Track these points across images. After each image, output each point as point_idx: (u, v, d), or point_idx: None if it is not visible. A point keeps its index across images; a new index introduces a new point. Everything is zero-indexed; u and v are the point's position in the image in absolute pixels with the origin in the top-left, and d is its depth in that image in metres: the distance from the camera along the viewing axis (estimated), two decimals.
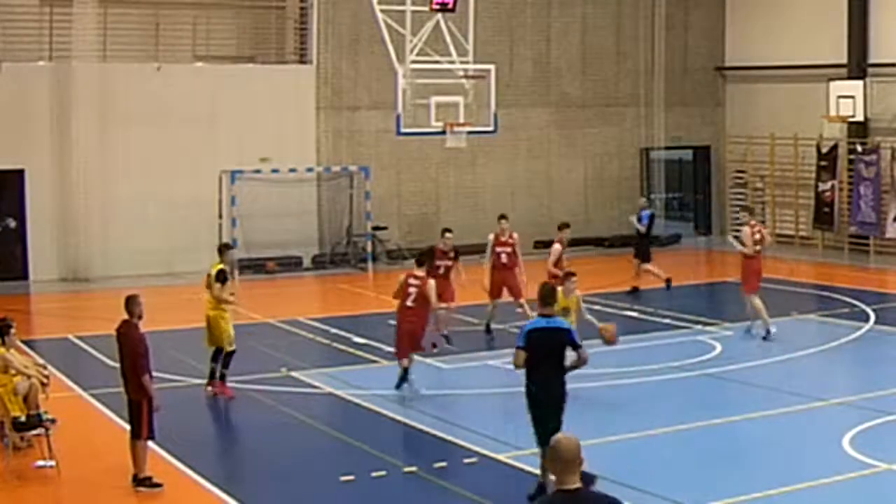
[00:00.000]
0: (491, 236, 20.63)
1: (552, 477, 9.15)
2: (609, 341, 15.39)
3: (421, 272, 16.37)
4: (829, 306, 22.77)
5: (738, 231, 21.70)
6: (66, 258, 26.99)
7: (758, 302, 19.66)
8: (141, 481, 12.36)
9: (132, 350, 12.36)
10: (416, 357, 16.64)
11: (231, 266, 17.95)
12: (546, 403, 12.00)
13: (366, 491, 12.12)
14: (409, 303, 16.22)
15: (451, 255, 19.53)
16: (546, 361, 11.92)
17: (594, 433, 13.76)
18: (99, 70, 26.89)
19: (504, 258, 20.26)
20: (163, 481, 12.41)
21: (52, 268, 26.85)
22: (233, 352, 16.43)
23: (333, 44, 29.56)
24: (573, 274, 16.25)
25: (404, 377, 16.23)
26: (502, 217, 20.93)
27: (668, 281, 24.67)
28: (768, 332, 19.44)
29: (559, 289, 14.75)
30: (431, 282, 16.39)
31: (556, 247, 20.27)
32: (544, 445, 11.60)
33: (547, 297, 12.19)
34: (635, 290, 24.43)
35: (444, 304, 17.83)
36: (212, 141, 27.91)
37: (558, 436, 6.70)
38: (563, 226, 21.02)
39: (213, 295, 16.34)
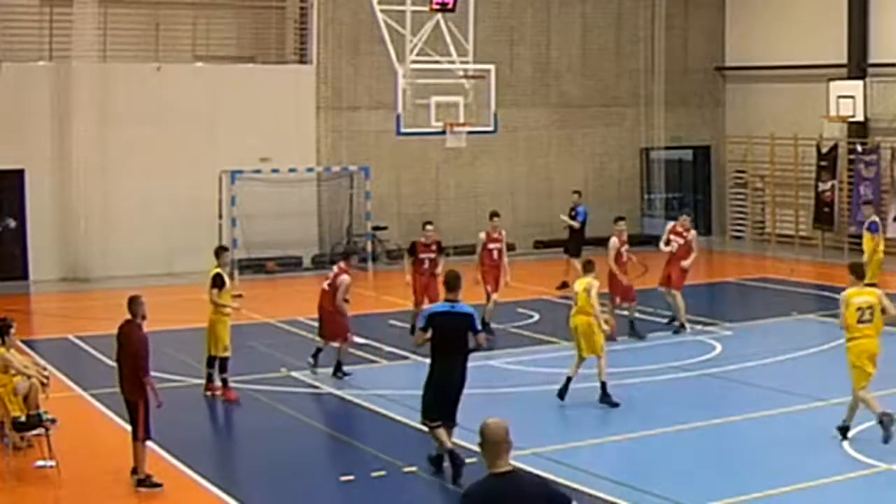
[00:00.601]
0: (482, 235, 20.80)
1: (448, 445, 9.57)
2: (606, 335, 15.94)
3: (344, 265, 17.15)
4: (829, 306, 22.69)
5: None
6: (66, 258, 26.99)
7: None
8: (141, 481, 12.37)
9: (135, 350, 12.38)
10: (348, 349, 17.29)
11: (230, 268, 17.98)
12: (444, 386, 12.61)
13: (366, 491, 12.12)
14: (325, 286, 17.22)
15: (434, 248, 19.79)
16: (448, 345, 12.48)
17: (594, 433, 13.80)
18: (99, 70, 26.90)
19: (496, 254, 20.56)
20: (163, 481, 12.42)
21: (52, 268, 26.85)
22: (227, 357, 16.38)
23: (333, 44, 29.56)
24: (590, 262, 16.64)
25: (337, 365, 17.12)
26: (495, 215, 21.20)
27: (564, 284, 24.11)
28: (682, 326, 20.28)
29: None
30: (344, 277, 16.94)
31: (613, 241, 20.29)
32: (429, 419, 12.60)
33: (452, 282, 12.70)
34: (564, 285, 24.07)
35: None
36: (212, 141, 27.91)
37: (487, 420, 6.90)
38: (619, 219, 20.99)
39: (210, 300, 16.35)
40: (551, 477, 12.39)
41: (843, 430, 13.58)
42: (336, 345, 17.13)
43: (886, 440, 13.05)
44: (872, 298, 13.54)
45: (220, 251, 17.00)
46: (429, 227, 20.14)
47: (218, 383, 16.30)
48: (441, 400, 12.60)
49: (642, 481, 12.11)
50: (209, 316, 16.45)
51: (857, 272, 13.82)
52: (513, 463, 6.76)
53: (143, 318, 12.59)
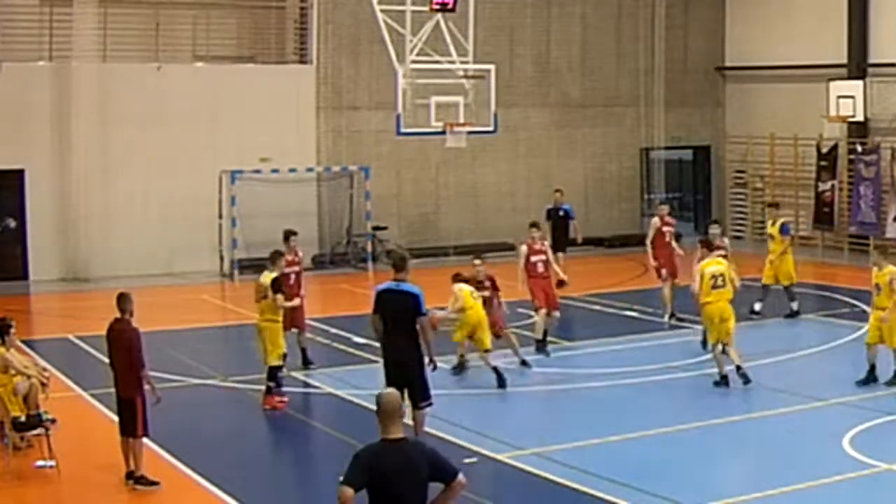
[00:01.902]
0: (524, 247, 18.97)
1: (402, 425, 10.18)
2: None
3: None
4: (829, 306, 22.76)
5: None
6: (66, 258, 26.99)
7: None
8: (138, 479, 12.40)
9: (130, 346, 12.41)
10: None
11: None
12: (393, 365, 12.78)
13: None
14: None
15: (488, 284, 17.71)
16: (393, 322, 12.65)
17: (594, 433, 13.79)
18: (99, 70, 26.90)
19: (541, 267, 18.80)
20: (163, 481, 12.42)
21: (52, 268, 26.84)
22: (280, 366, 16.00)
23: (333, 44, 29.56)
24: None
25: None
26: (533, 225, 19.36)
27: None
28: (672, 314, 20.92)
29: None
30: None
31: (654, 220, 21.61)
32: None
33: (398, 262, 12.95)
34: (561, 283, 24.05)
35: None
36: (212, 141, 27.90)
37: (382, 391, 7.75)
38: (661, 203, 23.18)
39: (277, 305, 15.75)
40: (551, 477, 12.43)
41: (723, 380, 16.00)
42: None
43: (746, 382, 15.85)
44: (723, 268, 16.32)
45: (276, 256, 16.30)
46: (477, 262, 17.81)
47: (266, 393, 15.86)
48: (393, 379, 12.60)
49: (642, 481, 12.11)
50: (261, 324, 15.94)
51: (708, 245, 17.00)
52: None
53: (131, 314, 12.63)
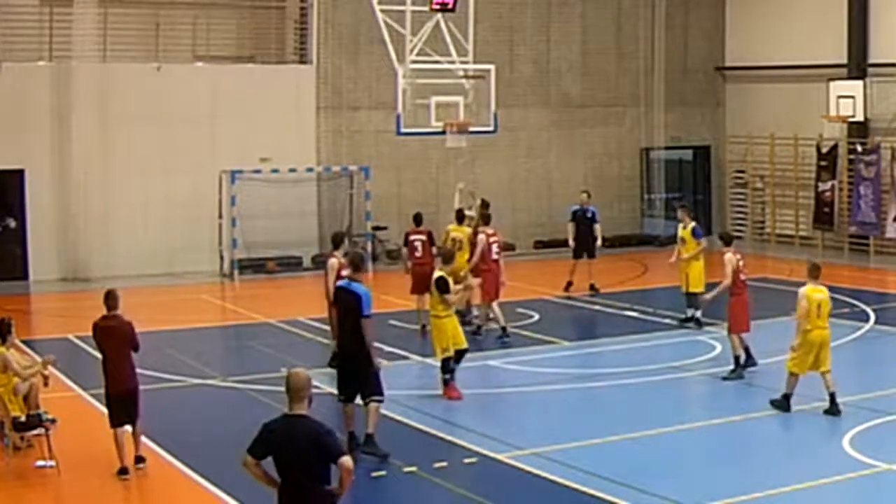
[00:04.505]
0: (481, 236, 19.75)
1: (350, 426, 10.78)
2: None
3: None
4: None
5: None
6: (66, 258, 26.97)
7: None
8: (140, 458, 12.78)
9: (128, 337, 12.64)
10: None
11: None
12: (342, 358, 13.42)
13: (366, 491, 12.12)
14: None
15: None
16: (344, 320, 13.31)
17: (594, 433, 13.79)
18: (99, 70, 26.89)
19: (495, 251, 19.67)
20: (163, 481, 12.44)
21: (52, 268, 26.83)
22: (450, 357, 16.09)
23: (333, 44, 29.55)
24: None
25: None
26: (485, 205, 20.86)
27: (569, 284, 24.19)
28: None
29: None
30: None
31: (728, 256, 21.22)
32: (344, 401, 13.46)
33: (356, 262, 13.52)
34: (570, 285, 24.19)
35: None
36: (212, 141, 27.90)
37: (292, 370, 8.38)
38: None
39: (450, 302, 15.91)
40: (551, 477, 12.42)
41: (784, 400, 15.01)
42: None
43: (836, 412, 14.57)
44: (826, 296, 15.18)
45: (448, 257, 16.85)
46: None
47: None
48: (341, 374, 13.48)
49: (642, 481, 12.10)
50: (435, 320, 16.03)
51: (812, 271, 15.39)
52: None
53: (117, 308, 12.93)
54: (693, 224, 20.86)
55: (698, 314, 20.14)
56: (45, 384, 13.55)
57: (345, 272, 14.56)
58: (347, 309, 13.25)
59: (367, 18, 25.99)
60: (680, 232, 20.92)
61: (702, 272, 20.37)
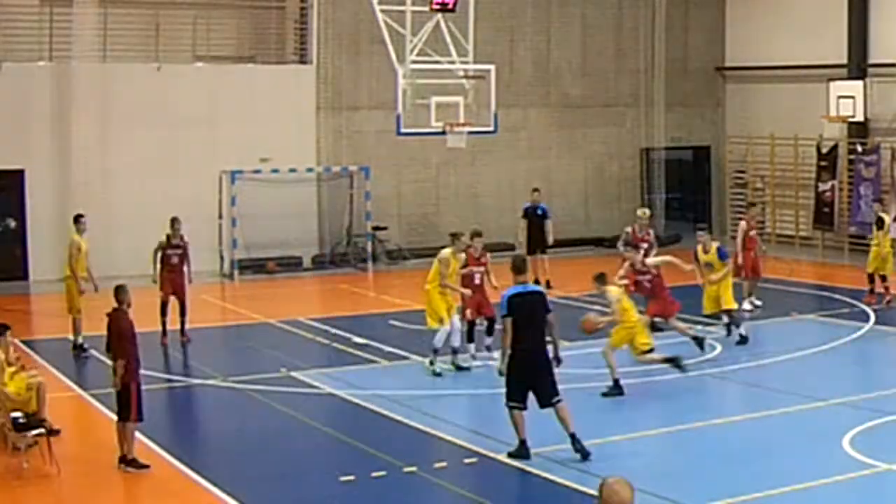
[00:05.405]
0: (462, 255, 17.92)
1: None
2: (587, 331, 16.48)
3: None
4: (829, 306, 22.77)
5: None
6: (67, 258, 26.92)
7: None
8: (129, 462, 12.63)
9: (120, 334, 12.74)
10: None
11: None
12: (528, 362, 13.09)
13: (366, 491, 12.12)
14: None
15: (483, 259, 18.04)
16: (530, 322, 13.17)
17: (594, 433, 13.77)
18: (99, 70, 26.89)
19: (477, 279, 18.08)
20: (162, 481, 12.44)
21: (52, 268, 26.77)
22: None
23: (333, 44, 29.55)
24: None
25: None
26: (476, 234, 18.32)
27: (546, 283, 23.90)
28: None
29: None
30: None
31: (742, 224, 22.42)
32: (520, 408, 13.10)
33: (517, 265, 13.59)
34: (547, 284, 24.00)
35: None
36: (212, 141, 27.90)
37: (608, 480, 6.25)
38: (750, 204, 24.20)
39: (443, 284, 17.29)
40: (551, 477, 12.43)
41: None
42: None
43: None
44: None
45: (456, 237, 17.64)
46: (477, 239, 17.99)
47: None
48: (523, 378, 13.10)
49: (642, 481, 12.06)
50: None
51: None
52: None
53: (129, 305, 12.98)
54: (716, 245, 19.77)
55: (742, 330, 19.21)
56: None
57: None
58: (533, 311, 13.19)
59: (367, 18, 26.00)
60: (702, 258, 19.59)
61: (730, 287, 19.50)
